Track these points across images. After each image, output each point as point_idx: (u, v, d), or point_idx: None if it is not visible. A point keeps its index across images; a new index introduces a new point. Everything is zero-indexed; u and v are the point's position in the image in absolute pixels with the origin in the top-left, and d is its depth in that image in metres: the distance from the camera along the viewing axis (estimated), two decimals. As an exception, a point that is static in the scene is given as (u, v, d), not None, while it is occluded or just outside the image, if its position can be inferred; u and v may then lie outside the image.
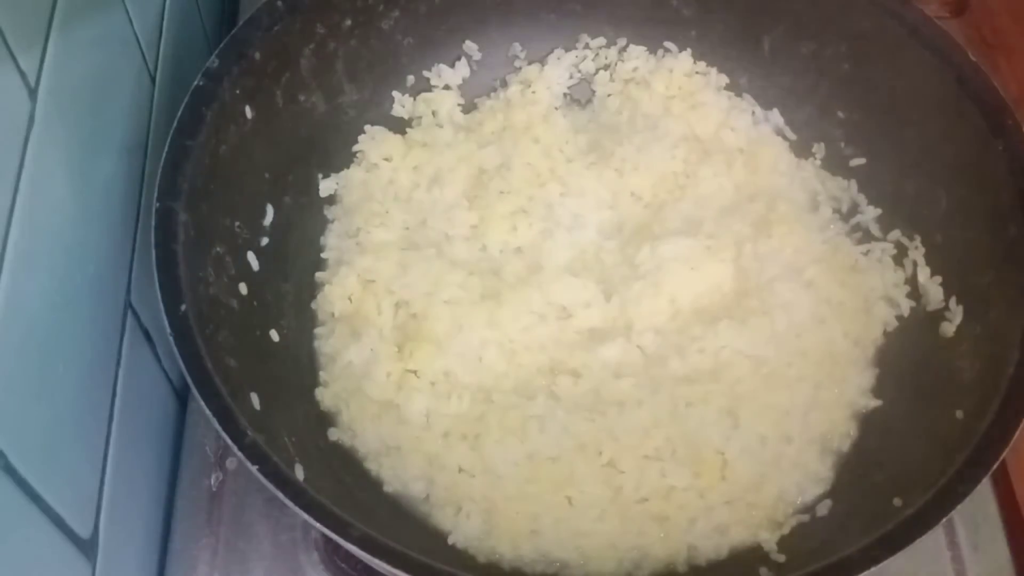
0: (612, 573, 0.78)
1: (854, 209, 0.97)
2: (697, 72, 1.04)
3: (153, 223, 0.74)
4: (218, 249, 0.81)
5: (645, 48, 1.05)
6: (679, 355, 0.86)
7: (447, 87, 1.04)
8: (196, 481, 0.86)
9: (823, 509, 0.80)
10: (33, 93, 0.63)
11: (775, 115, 1.02)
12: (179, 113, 0.79)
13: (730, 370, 0.85)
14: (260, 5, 0.87)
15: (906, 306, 0.89)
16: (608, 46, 1.06)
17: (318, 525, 0.64)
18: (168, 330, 0.70)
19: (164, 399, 0.90)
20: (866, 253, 0.93)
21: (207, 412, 0.67)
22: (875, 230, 0.95)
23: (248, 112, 0.85)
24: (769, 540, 0.78)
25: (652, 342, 0.87)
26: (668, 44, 1.05)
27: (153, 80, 0.89)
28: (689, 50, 1.04)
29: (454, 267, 0.90)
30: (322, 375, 0.87)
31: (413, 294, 0.87)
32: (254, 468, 0.65)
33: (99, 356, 0.74)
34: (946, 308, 0.86)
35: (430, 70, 1.03)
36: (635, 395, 0.83)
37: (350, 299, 0.89)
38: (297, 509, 0.64)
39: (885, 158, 0.95)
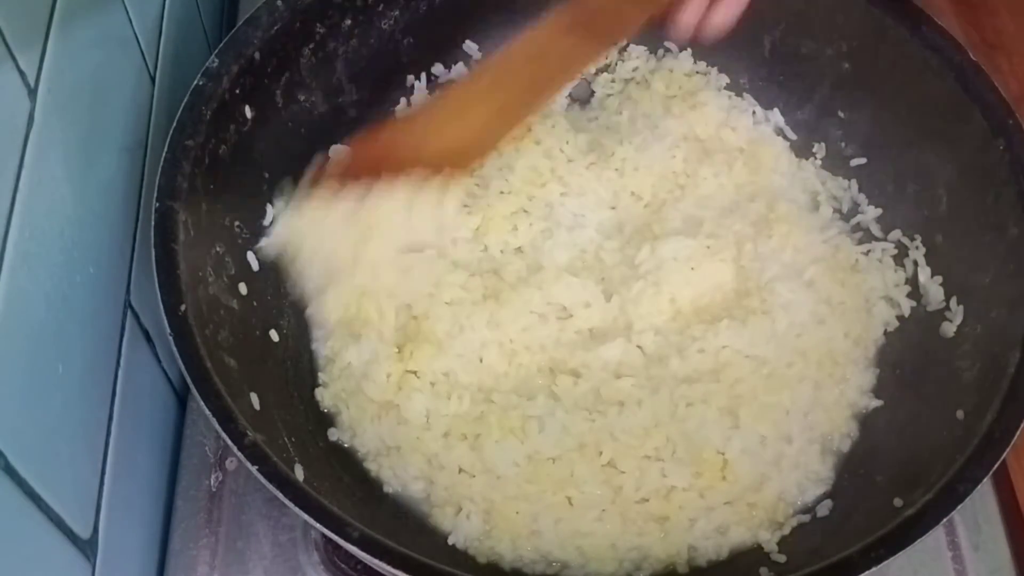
0: (612, 574, 0.78)
1: (854, 209, 0.97)
2: (697, 72, 1.04)
3: (153, 223, 0.74)
4: (218, 249, 0.81)
5: (645, 48, 1.05)
6: (679, 355, 0.86)
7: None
8: (196, 481, 0.86)
9: (823, 509, 0.81)
10: (33, 93, 0.63)
11: (775, 115, 1.02)
12: (179, 113, 0.79)
13: (730, 370, 0.85)
14: (260, 5, 0.87)
15: (906, 306, 0.89)
16: (608, 46, 1.06)
17: (318, 525, 0.64)
18: (168, 330, 0.70)
19: (164, 399, 0.90)
20: (866, 253, 0.93)
21: (207, 412, 0.67)
22: (875, 230, 0.95)
23: (248, 112, 0.85)
24: (770, 540, 0.78)
25: (652, 342, 0.87)
26: (668, 44, 1.05)
27: (153, 80, 0.89)
28: (689, 50, 1.04)
29: (455, 268, 0.90)
30: (321, 376, 0.87)
31: (414, 295, 0.87)
32: (254, 468, 0.65)
33: (99, 356, 0.74)
34: (946, 308, 0.86)
35: (430, 70, 1.03)
36: (635, 395, 0.83)
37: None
38: (297, 509, 0.64)
39: (885, 158, 0.95)
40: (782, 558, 0.77)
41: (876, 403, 0.86)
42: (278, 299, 0.87)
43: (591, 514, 0.79)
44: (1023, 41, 1.13)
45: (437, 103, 0.86)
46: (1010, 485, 0.89)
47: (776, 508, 0.80)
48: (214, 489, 0.86)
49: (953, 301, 0.85)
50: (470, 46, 1.04)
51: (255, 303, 0.84)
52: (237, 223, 0.85)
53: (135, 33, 0.84)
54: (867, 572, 0.64)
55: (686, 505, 0.79)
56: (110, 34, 0.79)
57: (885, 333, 0.89)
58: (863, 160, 0.97)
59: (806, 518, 0.80)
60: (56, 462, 0.64)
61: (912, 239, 0.91)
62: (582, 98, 1.07)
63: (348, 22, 0.94)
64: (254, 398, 0.75)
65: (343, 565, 0.82)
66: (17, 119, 0.61)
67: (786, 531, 0.79)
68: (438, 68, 1.04)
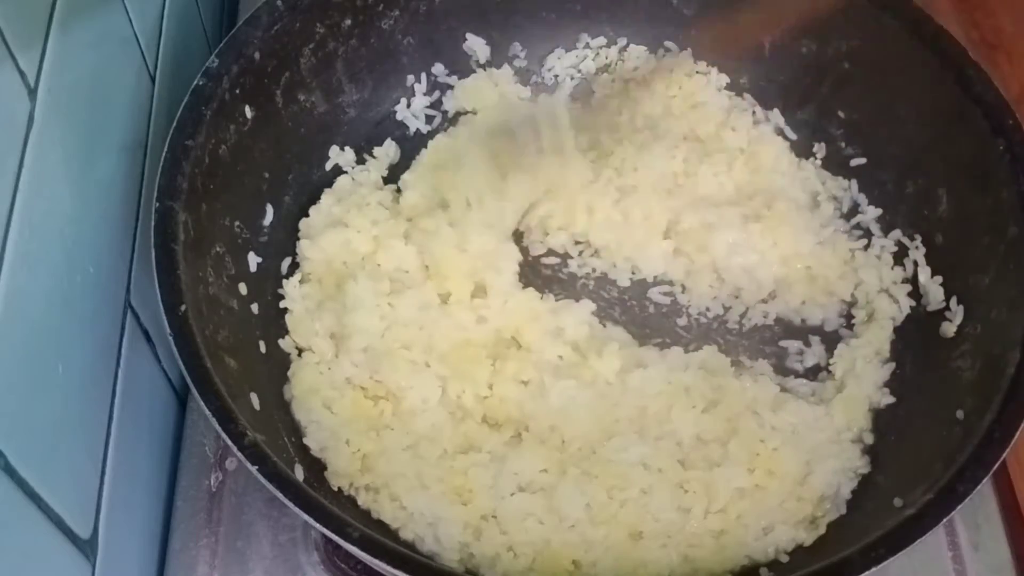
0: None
1: (854, 209, 0.97)
2: (697, 72, 1.04)
3: (153, 223, 0.74)
4: (218, 249, 0.81)
5: (645, 48, 1.06)
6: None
7: (448, 87, 1.04)
8: (196, 481, 0.86)
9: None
10: (33, 93, 0.63)
11: (775, 115, 1.02)
12: (179, 113, 0.79)
13: None
14: (260, 5, 0.87)
15: (907, 306, 0.89)
16: (608, 46, 1.06)
17: (318, 525, 0.64)
18: (168, 330, 0.70)
19: (164, 399, 0.90)
20: (865, 249, 0.93)
21: (207, 412, 0.67)
22: (875, 230, 0.95)
23: (248, 112, 0.85)
24: (806, 540, 0.78)
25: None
26: (668, 44, 1.05)
27: (153, 80, 0.89)
28: (689, 50, 1.04)
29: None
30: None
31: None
32: (254, 468, 0.65)
33: (99, 356, 0.74)
34: (946, 308, 0.86)
35: (430, 70, 1.03)
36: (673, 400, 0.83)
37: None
38: (297, 509, 0.64)
39: (885, 158, 0.95)
40: (784, 558, 0.77)
41: (889, 399, 0.85)
42: (278, 299, 0.87)
43: (656, 543, 0.77)
44: (1023, 41, 1.13)
45: None
46: (1010, 485, 0.89)
47: (818, 503, 0.79)
48: (214, 489, 0.86)
49: (953, 301, 0.85)
50: (470, 46, 1.04)
51: (255, 303, 0.84)
52: (237, 223, 0.85)
53: (135, 33, 0.84)
54: (867, 572, 0.64)
55: (744, 513, 0.78)
56: (110, 34, 0.79)
57: (894, 330, 0.89)
58: (863, 160, 0.97)
59: (836, 516, 0.79)
60: (56, 462, 0.64)
61: (912, 239, 0.91)
62: (582, 98, 1.07)
63: (348, 22, 0.94)
64: (254, 398, 0.75)
65: (343, 565, 0.82)
66: (17, 119, 0.61)
67: (822, 530, 0.78)
68: (438, 68, 1.04)
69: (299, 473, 0.73)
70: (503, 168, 0.91)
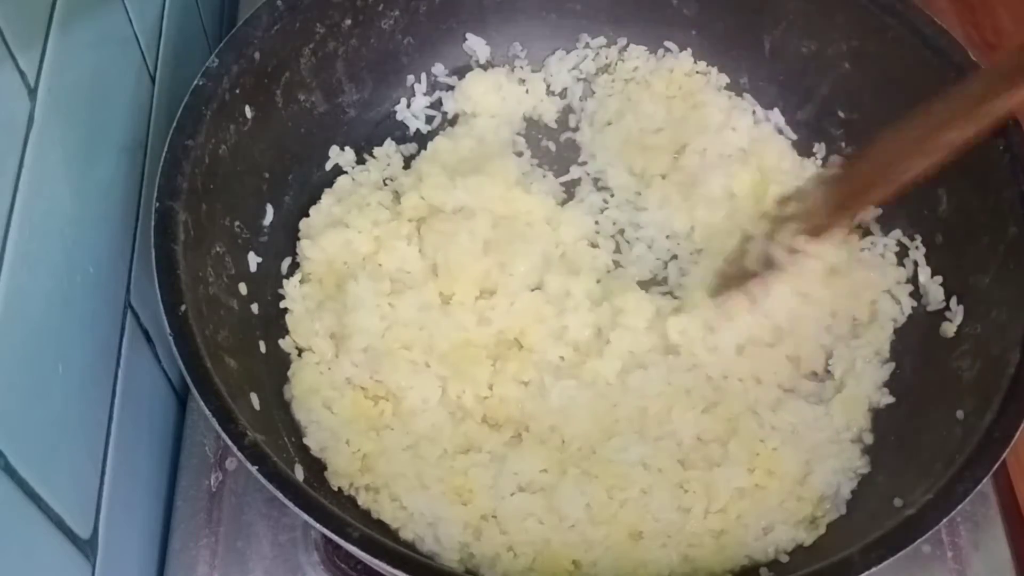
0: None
1: (854, 209, 0.97)
2: (697, 72, 1.04)
3: (153, 223, 0.74)
4: (218, 249, 0.81)
5: (645, 48, 1.05)
6: (701, 346, 0.86)
7: (448, 87, 1.04)
8: (196, 481, 0.86)
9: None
10: (33, 93, 0.63)
11: (776, 115, 1.02)
12: (179, 113, 0.79)
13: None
14: (260, 5, 0.87)
15: (908, 306, 0.89)
16: (608, 46, 1.06)
17: (318, 526, 0.64)
18: (168, 330, 0.70)
19: (164, 399, 0.90)
20: (869, 248, 0.93)
21: (207, 412, 0.67)
22: (875, 230, 0.95)
23: (248, 112, 0.85)
24: (805, 539, 0.78)
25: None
26: (668, 44, 1.04)
27: (153, 80, 0.89)
28: (689, 50, 1.04)
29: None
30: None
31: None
32: (254, 468, 0.65)
33: (99, 356, 0.74)
34: (946, 308, 0.86)
35: (430, 70, 1.03)
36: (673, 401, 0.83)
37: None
38: (297, 510, 0.64)
39: (885, 158, 0.95)
40: (784, 558, 0.77)
41: (889, 399, 0.85)
42: (277, 299, 0.87)
43: (656, 543, 0.77)
44: (1022, 41, 1.13)
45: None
46: (1010, 485, 0.89)
47: (818, 503, 0.80)
48: (214, 489, 0.86)
49: (953, 301, 0.85)
50: (470, 46, 1.04)
51: (255, 303, 0.84)
52: (237, 223, 0.85)
53: (135, 33, 0.84)
54: (867, 572, 0.64)
55: (744, 513, 0.78)
56: (110, 34, 0.79)
57: (895, 330, 0.89)
58: (863, 160, 0.97)
59: (836, 516, 0.79)
60: (56, 462, 0.64)
61: (912, 239, 0.91)
62: (584, 98, 1.06)
63: (348, 22, 0.94)
64: (254, 398, 0.75)
65: (343, 565, 0.82)
66: (17, 119, 0.61)
67: (822, 530, 0.78)
68: (438, 68, 1.04)
69: (299, 473, 0.73)
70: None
